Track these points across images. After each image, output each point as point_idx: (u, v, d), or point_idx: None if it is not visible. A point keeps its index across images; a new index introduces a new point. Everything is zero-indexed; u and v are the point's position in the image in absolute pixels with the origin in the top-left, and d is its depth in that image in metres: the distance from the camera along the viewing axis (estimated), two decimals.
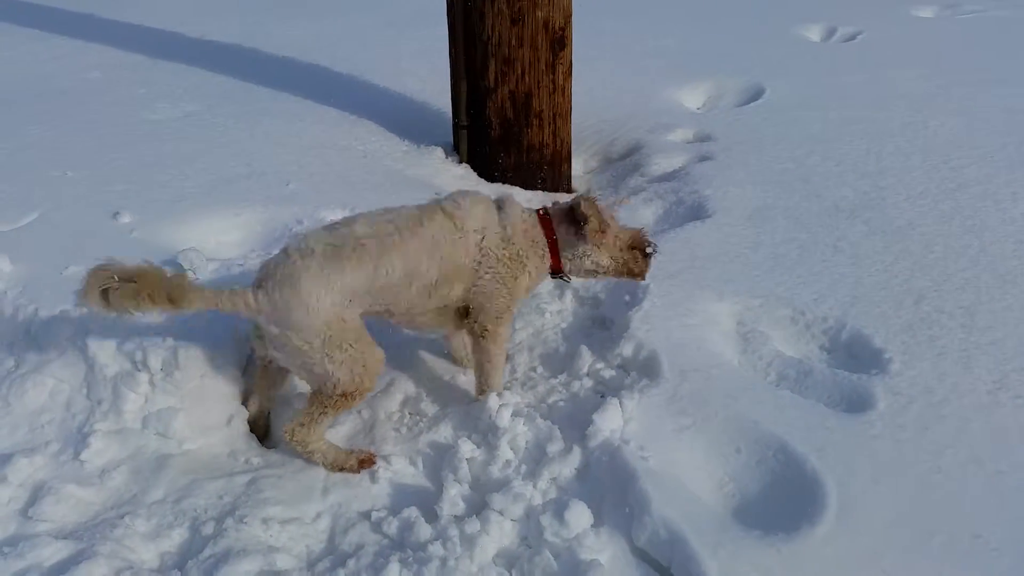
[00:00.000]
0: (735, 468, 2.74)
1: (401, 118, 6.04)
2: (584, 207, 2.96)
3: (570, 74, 5.18)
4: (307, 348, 2.69)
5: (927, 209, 4.33)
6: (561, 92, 5.17)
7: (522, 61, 5.02)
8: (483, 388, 3.16)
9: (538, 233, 3.05)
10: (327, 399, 2.81)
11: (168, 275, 2.54)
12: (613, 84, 6.60)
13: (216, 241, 4.24)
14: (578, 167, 5.64)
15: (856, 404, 2.94)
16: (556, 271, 3.13)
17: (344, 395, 2.80)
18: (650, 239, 3.17)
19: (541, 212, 3.11)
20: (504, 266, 2.96)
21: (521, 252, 3.00)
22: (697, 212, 4.51)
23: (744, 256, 3.94)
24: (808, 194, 4.54)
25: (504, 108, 5.13)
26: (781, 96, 6.21)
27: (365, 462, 2.92)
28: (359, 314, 2.79)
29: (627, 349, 3.28)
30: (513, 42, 4.98)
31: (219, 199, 4.54)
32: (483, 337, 3.05)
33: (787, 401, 2.96)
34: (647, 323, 3.38)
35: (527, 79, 5.06)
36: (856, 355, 3.23)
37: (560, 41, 5.04)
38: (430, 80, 6.58)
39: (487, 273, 2.95)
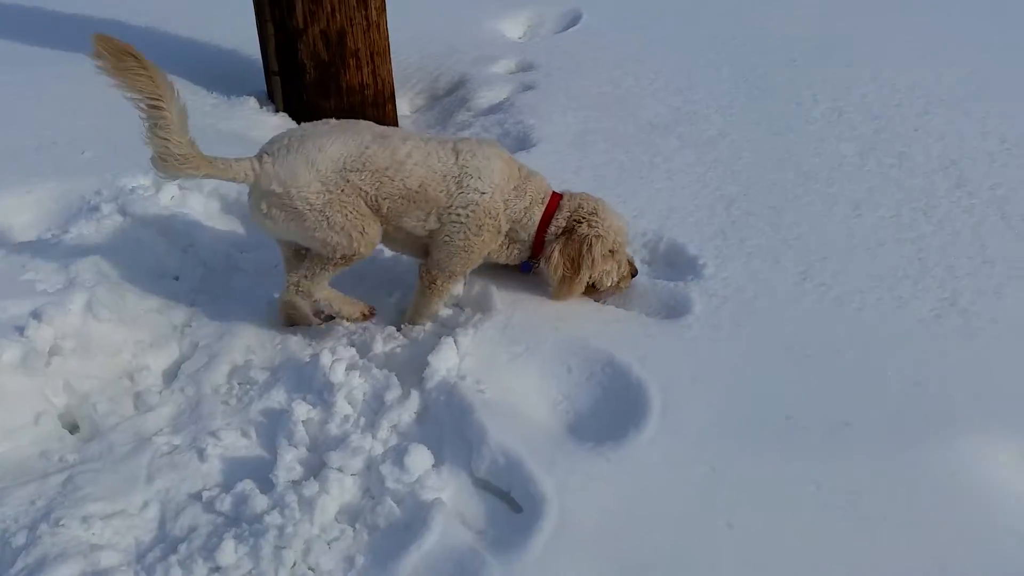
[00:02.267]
0: (567, 386, 2.81)
1: (209, 69, 5.61)
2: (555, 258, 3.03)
3: (384, 9, 4.97)
4: (307, 211, 2.80)
5: (736, 118, 4.55)
6: (376, 28, 4.95)
7: None
8: (410, 321, 3.23)
9: (534, 221, 3.05)
10: (327, 260, 2.94)
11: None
12: (432, 17, 6.42)
13: (6, 223, 3.82)
14: (404, 106, 5.48)
15: (675, 310, 3.07)
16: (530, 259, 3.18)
17: (344, 257, 2.92)
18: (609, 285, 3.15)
19: (550, 206, 3.08)
20: (480, 236, 2.97)
21: (504, 229, 3.03)
22: (523, 142, 4.52)
23: (569, 181, 3.95)
24: (625, 115, 4.64)
25: (317, 50, 4.86)
26: (598, 19, 6.26)
27: (369, 315, 3.14)
28: (356, 195, 2.89)
29: (459, 286, 3.25)
30: None
31: (5, 178, 4.07)
32: (429, 288, 3.11)
33: (612, 316, 3.06)
34: None
35: (338, 17, 4.81)
36: (673, 264, 3.37)
37: None
38: (239, 26, 6.11)
39: (460, 232, 2.95)
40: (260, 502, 2.46)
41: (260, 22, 4.98)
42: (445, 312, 3.23)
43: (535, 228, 3.05)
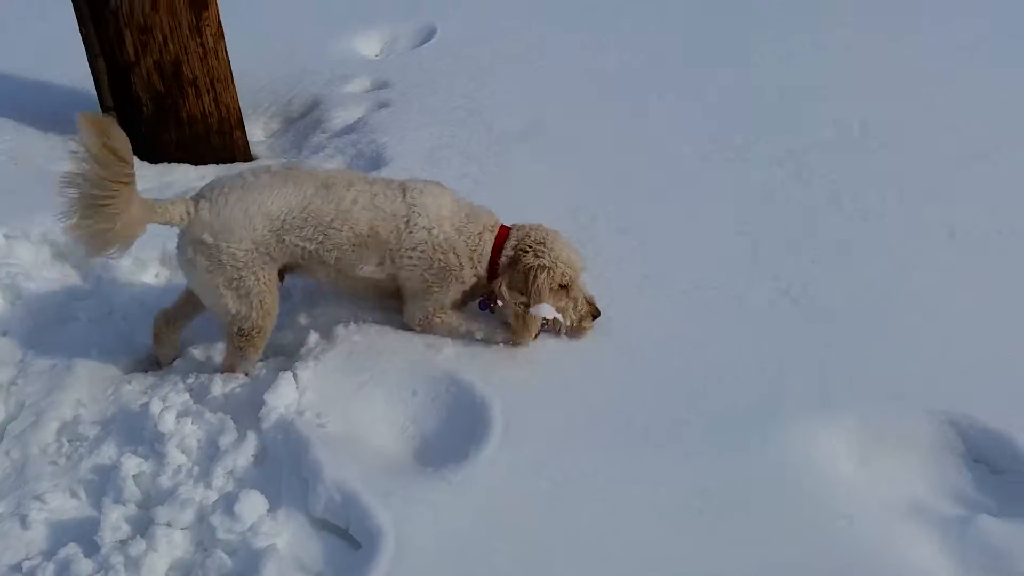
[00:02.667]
0: (414, 410, 2.77)
1: (42, 109, 5.27)
2: (502, 288, 2.91)
3: (221, 35, 4.80)
4: (229, 265, 2.74)
5: (587, 126, 4.62)
6: (214, 55, 4.78)
7: (161, 27, 4.57)
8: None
9: (486, 253, 2.98)
10: (231, 337, 2.92)
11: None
12: (282, 39, 6.25)
13: None
14: (258, 132, 5.32)
15: None
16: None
17: (240, 332, 2.88)
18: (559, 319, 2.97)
19: (500, 235, 3.01)
20: (435, 272, 2.92)
21: (459, 264, 2.94)
22: (376, 162, 4.45)
23: None
24: (478, 128, 4.65)
25: (152, 81, 4.66)
26: (452, 34, 6.25)
27: None
28: (284, 261, 2.87)
29: (302, 317, 3.17)
30: (147, 8, 4.51)
31: None
32: (420, 327, 3.01)
33: None
34: (318, 286, 3.27)
35: (171, 46, 4.63)
36: None
37: (201, 1, 4.64)
38: (71, 63, 5.78)
39: (418, 270, 2.91)
40: (84, 567, 2.32)
41: (91, 56, 4.75)
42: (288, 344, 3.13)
43: (487, 261, 2.97)
